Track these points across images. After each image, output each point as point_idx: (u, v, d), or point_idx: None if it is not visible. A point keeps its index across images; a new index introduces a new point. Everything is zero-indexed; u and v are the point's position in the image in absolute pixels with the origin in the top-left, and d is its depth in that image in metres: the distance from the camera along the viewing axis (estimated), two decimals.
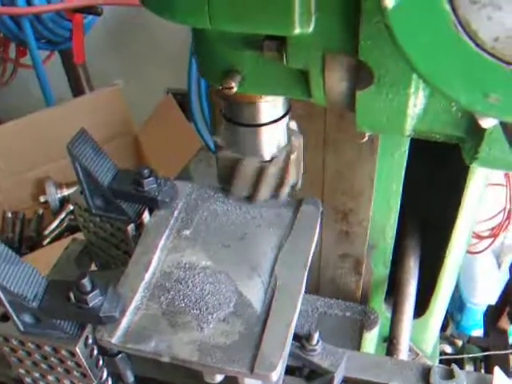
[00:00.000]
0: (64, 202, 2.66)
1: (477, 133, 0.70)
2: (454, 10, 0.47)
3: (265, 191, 0.95)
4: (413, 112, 0.70)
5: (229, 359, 0.76)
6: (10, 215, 2.66)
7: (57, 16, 2.43)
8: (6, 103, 3.28)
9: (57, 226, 2.60)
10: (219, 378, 0.83)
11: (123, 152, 2.73)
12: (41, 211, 2.69)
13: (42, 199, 2.69)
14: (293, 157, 0.92)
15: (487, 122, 0.60)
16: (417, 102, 0.69)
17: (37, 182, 2.72)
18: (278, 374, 0.75)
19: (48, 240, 2.56)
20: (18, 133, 2.54)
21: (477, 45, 0.48)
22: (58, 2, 2.35)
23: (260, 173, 0.93)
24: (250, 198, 0.96)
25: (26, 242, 2.58)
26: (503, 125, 0.60)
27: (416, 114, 0.71)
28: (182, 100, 2.75)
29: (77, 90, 2.87)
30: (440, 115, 0.72)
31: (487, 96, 0.50)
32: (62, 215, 2.62)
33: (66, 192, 2.65)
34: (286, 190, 0.96)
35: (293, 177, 0.95)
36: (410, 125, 0.72)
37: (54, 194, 2.66)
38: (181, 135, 2.49)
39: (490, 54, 0.49)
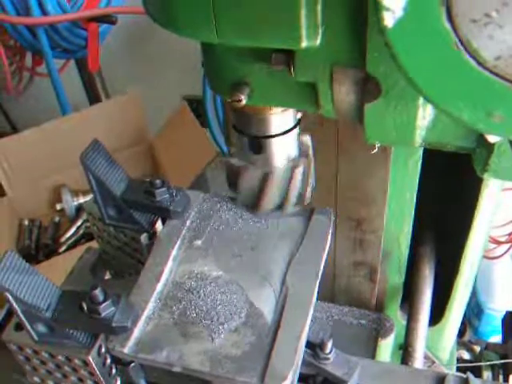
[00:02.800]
0: (80, 209, 2.68)
1: (486, 145, 0.70)
2: (454, 29, 0.47)
3: (269, 201, 0.95)
4: (422, 124, 0.70)
5: (239, 370, 0.77)
6: (26, 223, 2.69)
7: (72, 25, 2.44)
8: (23, 112, 3.31)
9: (73, 234, 2.62)
10: None
11: (139, 159, 2.75)
12: (57, 219, 2.72)
13: (58, 207, 2.72)
14: (299, 168, 0.92)
15: (494, 137, 0.60)
16: (425, 113, 0.69)
17: (53, 189, 2.74)
18: None
19: (64, 247, 2.59)
20: (34, 141, 2.56)
21: (479, 64, 0.48)
22: (72, 12, 2.37)
23: (264, 182, 0.94)
24: (255, 208, 0.97)
25: (42, 250, 2.60)
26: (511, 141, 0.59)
27: (425, 125, 0.71)
28: (197, 107, 2.76)
29: (93, 98, 2.89)
30: (449, 127, 0.72)
31: (490, 115, 0.50)
32: (79, 223, 2.64)
33: (81, 199, 2.68)
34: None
35: (299, 188, 0.95)
36: (419, 136, 0.72)
37: (70, 202, 2.68)
38: (196, 142, 2.50)
39: (492, 72, 0.48)
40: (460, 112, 0.51)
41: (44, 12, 2.32)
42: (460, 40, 0.47)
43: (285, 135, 0.88)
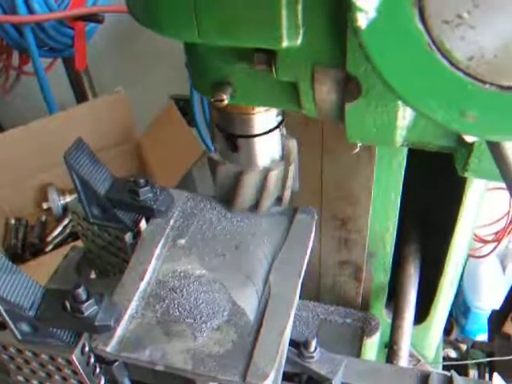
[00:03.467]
0: (67, 208, 2.67)
1: (466, 145, 0.71)
2: (427, 29, 0.47)
3: (243, 199, 0.95)
4: (402, 123, 0.71)
5: (222, 368, 0.77)
6: (13, 222, 2.68)
7: (58, 24, 2.43)
8: (10, 110, 3.29)
9: (60, 233, 2.61)
10: None
11: (126, 158, 2.74)
12: (44, 218, 2.70)
13: (44, 206, 2.70)
14: (273, 172, 0.92)
15: (471, 137, 0.61)
16: (405, 113, 0.69)
17: (40, 188, 2.73)
18: (270, 383, 0.76)
19: (51, 246, 2.57)
20: (20, 140, 2.55)
21: (451, 64, 0.49)
22: (59, 10, 2.36)
23: (262, 183, 0.94)
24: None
25: (29, 249, 2.59)
26: (487, 141, 0.60)
27: (405, 125, 0.72)
28: (185, 106, 2.76)
29: (80, 97, 2.88)
30: (429, 126, 0.72)
31: (464, 115, 0.51)
32: (65, 222, 2.63)
33: (68, 199, 2.66)
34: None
35: (275, 191, 0.95)
36: (400, 136, 0.73)
37: (56, 201, 2.67)
38: (183, 141, 2.49)
39: (465, 73, 0.49)
40: (434, 112, 0.52)
41: (31, 10, 2.31)
42: (433, 41, 0.48)
43: (262, 136, 0.88)
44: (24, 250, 2.59)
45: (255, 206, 0.97)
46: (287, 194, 0.96)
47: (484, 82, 0.49)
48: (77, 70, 2.72)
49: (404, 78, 0.52)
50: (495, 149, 0.57)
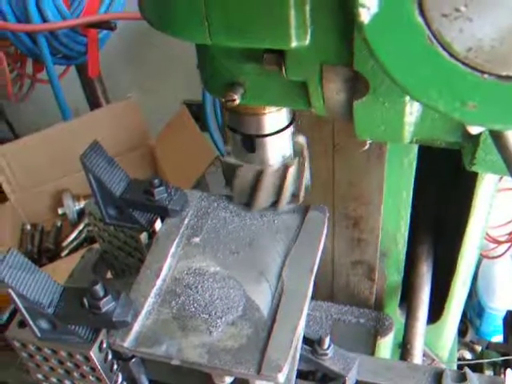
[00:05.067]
0: (82, 213, 2.70)
1: (472, 138, 0.72)
2: (427, 23, 0.49)
3: (262, 199, 0.97)
4: (410, 119, 0.72)
5: (237, 361, 0.78)
6: (28, 227, 2.70)
7: (72, 32, 2.46)
8: (24, 118, 3.33)
9: (75, 238, 2.64)
10: (228, 380, 0.85)
11: (139, 163, 2.76)
12: (59, 223, 2.73)
13: (60, 211, 2.73)
14: (292, 167, 0.94)
15: (475, 129, 0.62)
16: (413, 109, 0.71)
17: (55, 194, 2.76)
18: (284, 375, 0.77)
19: (66, 251, 2.60)
20: (35, 147, 2.58)
21: (451, 55, 0.50)
22: (72, 18, 2.39)
23: (281, 180, 0.95)
24: (249, 205, 0.98)
25: (44, 254, 2.62)
26: (491, 132, 0.61)
27: (413, 121, 0.73)
28: (198, 111, 2.78)
29: (94, 104, 2.91)
30: (437, 122, 0.74)
31: (465, 104, 0.52)
32: (80, 227, 2.65)
33: (83, 204, 2.69)
34: (284, 198, 0.98)
35: (293, 187, 0.97)
36: (408, 132, 0.74)
37: (71, 206, 2.70)
38: (196, 146, 2.51)
39: (464, 63, 0.51)
40: (436, 102, 0.53)
41: (44, 19, 2.34)
42: (433, 34, 0.50)
43: (278, 134, 0.89)
44: (40, 256, 2.61)
45: (274, 204, 0.98)
46: (302, 191, 0.98)
47: (483, 72, 0.50)
48: (90, 77, 2.74)
49: (406, 70, 0.53)
50: (498, 139, 0.59)
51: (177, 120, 2.68)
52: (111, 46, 2.72)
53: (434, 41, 0.50)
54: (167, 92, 3.02)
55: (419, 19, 0.49)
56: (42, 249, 2.64)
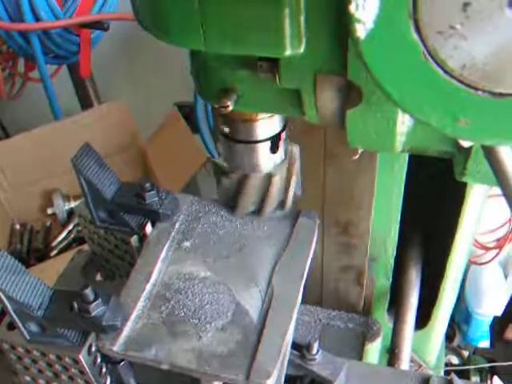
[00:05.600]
0: (71, 213, 2.68)
1: (464, 149, 0.73)
2: (422, 40, 0.50)
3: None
4: (401, 129, 0.72)
5: (226, 367, 0.79)
6: (18, 227, 2.69)
7: (64, 31, 2.45)
8: (15, 117, 3.31)
9: (64, 238, 2.62)
10: None
11: (130, 164, 2.75)
12: (48, 223, 2.71)
13: (49, 211, 2.71)
14: (277, 176, 0.94)
15: (466, 142, 0.63)
16: (404, 119, 0.71)
17: (45, 194, 2.74)
18: (273, 381, 0.77)
19: (56, 251, 2.58)
20: (26, 146, 2.57)
21: (445, 72, 0.51)
22: (65, 18, 2.38)
23: (265, 187, 0.95)
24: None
25: (34, 254, 2.60)
26: (482, 146, 0.62)
27: (405, 131, 0.73)
28: (189, 112, 2.78)
29: (85, 104, 2.89)
30: (428, 132, 0.74)
31: (457, 120, 0.53)
32: (70, 227, 2.64)
33: (73, 204, 2.67)
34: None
35: (278, 195, 0.97)
36: (399, 142, 0.75)
37: (61, 206, 2.68)
38: (187, 147, 2.51)
39: (458, 80, 0.51)
40: (428, 117, 0.54)
41: (37, 18, 2.33)
42: (428, 50, 0.50)
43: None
44: (29, 255, 2.60)
45: (258, 211, 0.98)
46: (289, 199, 0.98)
47: (476, 89, 0.51)
48: (82, 77, 2.74)
49: (400, 85, 0.54)
50: (490, 154, 0.59)
51: (168, 122, 2.67)
52: (103, 46, 2.71)
53: (429, 57, 0.50)
54: (158, 93, 3.01)
55: (415, 36, 0.49)
56: (31, 248, 2.63)
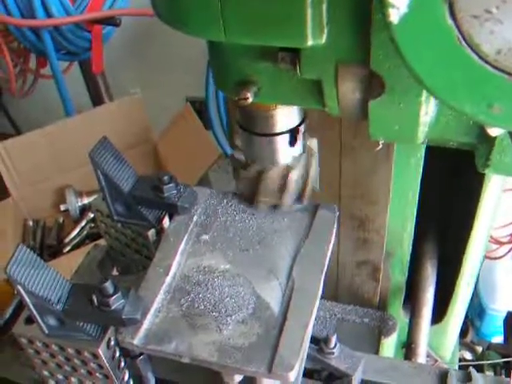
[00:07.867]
0: (84, 210, 2.70)
1: (488, 140, 0.72)
2: (456, 24, 0.49)
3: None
4: (424, 120, 0.72)
5: (247, 360, 0.78)
6: (31, 224, 2.70)
7: (76, 27, 2.46)
8: (27, 114, 3.32)
9: (77, 234, 2.63)
10: (238, 378, 0.85)
11: (142, 160, 2.75)
12: (61, 219, 2.73)
13: (62, 208, 2.73)
14: (295, 170, 0.93)
15: (495, 131, 0.62)
16: (428, 109, 0.70)
17: (57, 190, 2.76)
18: (295, 374, 0.77)
19: (68, 248, 2.60)
20: (38, 142, 2.58)
21: (480, 58, 0.50)
22: (76, 14, 2.39)
23: (284, 180, 0.95)
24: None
25: (46, 250, 2.61)
26: (511, 134, 0.61)
27: (428, 121, 0.73)
28: (201, 107, 2.78)
29: (96, 100, 2.90)
30: (451, 122, 0.73)
31: (491, 106, 0.52)
32: (82, 223, 2.65)
33: (85, 200, 2.69)
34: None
35: (296, 188, 0.96)
36: (422, 132, 0.74)
37: (74, 203, 2.69)
38: (199, 143, 2.51)
39: (493, 66, 0.50)
40: (462, 104, 0.53)
41: (48, 14, 2.34)
42: (462, 35, 0.49)
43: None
44: (42, 252, 2.61)
45: (277, 204, 0.98)
46: (308, 192, 0.98)
47: (511, 75, 0.50)
48: (93, 73, 2.74)
49: (434, 72, 0.53)
50: None
51: (180, 117, 2.67)
52: (115, 42, 2.72)
53: (464, 42, 0.50)
54: (170, 88, 3.02)
55: (449, 20, 0.49)
56: (43, 245, 2.64)
